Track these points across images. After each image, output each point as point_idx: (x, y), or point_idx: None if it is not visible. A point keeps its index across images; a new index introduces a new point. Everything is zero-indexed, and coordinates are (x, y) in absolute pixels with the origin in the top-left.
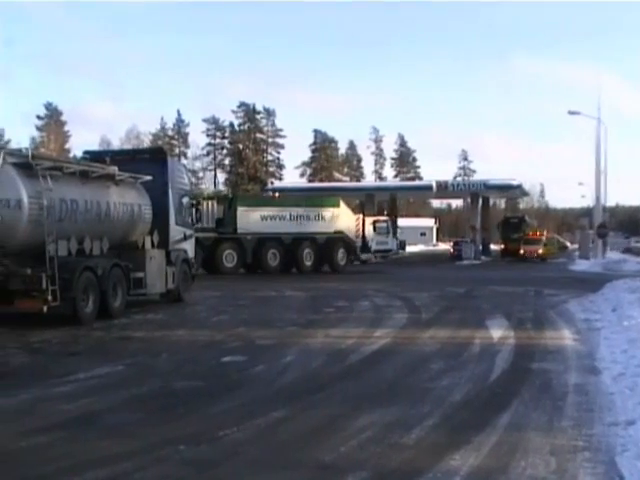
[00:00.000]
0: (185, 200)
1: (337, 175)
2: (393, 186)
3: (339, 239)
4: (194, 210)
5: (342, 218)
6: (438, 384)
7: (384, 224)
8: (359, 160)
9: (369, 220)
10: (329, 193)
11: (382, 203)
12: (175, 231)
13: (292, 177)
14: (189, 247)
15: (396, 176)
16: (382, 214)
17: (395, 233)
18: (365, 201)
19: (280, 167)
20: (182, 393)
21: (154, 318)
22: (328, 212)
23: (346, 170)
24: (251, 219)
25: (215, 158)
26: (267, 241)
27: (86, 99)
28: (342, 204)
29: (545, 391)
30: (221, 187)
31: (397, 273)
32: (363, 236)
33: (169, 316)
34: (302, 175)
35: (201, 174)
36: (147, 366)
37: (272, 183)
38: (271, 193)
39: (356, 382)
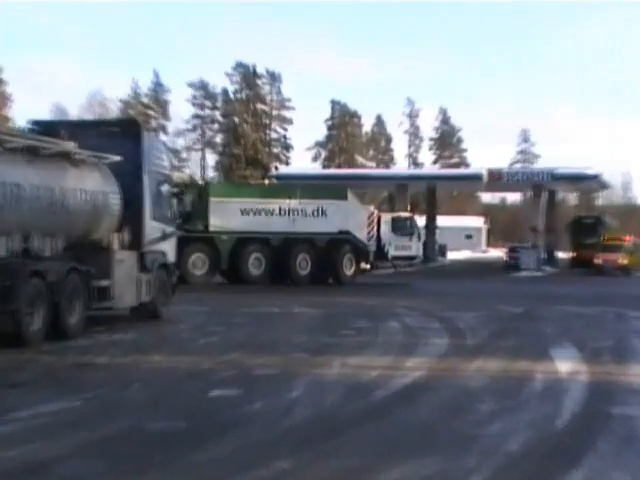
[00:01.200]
0: (164, 188)
1: (360, 159)
2: (431, 174)
3: (345, 241)
4: (176, 201)
5: (350, 214)
6: (488, 430)
7: (406, 222)
8: (388, 140)
9: (386, 217)
10: (349, 183)
11: (417, 196)
12: (151, 228)
13: (302, 161)
14: (169, 249)
15: (436, 162)
16: (416, 211)
17: (419, 234)
18: (395, 193)
19: (287, 148)
20: (158, 436)
21: (123, 339)
22: (331, 205)
23: (371, 153)
24: (228, 213)
25: (203, 134)
26: (249, 242)
27: (34, 54)
28: (350, 195)
29: (629, 443)
30: (211, 173)
31: (433, 286)
32: (378, 238)
33: (142, 337)
34: (315, 159)
35: (185, 154)
36: (113, 401)
37: (276, 168)
38: (273, 181)
39: (382, 425)
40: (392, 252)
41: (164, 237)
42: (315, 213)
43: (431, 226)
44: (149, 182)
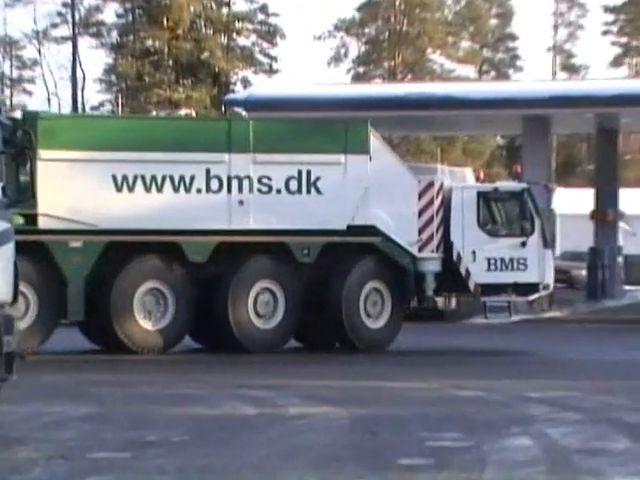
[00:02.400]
0: None
1: (439, 59)
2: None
3: (365, 250)
4: (20, 161)
5: (376, 186)
6: None
7: (514, 204)
8: (507, 18)
9: (466, 193)
10: (413, 117)
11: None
12: None
13: (306, 69)
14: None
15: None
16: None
17: (545, 235)
18: (527, 138)
19: (272, 39)
20: None
21: None
22: (332, 168)
23: (462, 49)
24: (82, 188)
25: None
26: (133, 255)
27: None
28: (377, 142)
29: None
30: (92, 96)
31: (601, 355)
32: (447, 242)
33: None
34: (334, 61)
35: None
36: None
37: (245, 84)
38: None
39: None
40: (479, 275)
41: None
42: (293, 186)
43: (607, 213)
44: None
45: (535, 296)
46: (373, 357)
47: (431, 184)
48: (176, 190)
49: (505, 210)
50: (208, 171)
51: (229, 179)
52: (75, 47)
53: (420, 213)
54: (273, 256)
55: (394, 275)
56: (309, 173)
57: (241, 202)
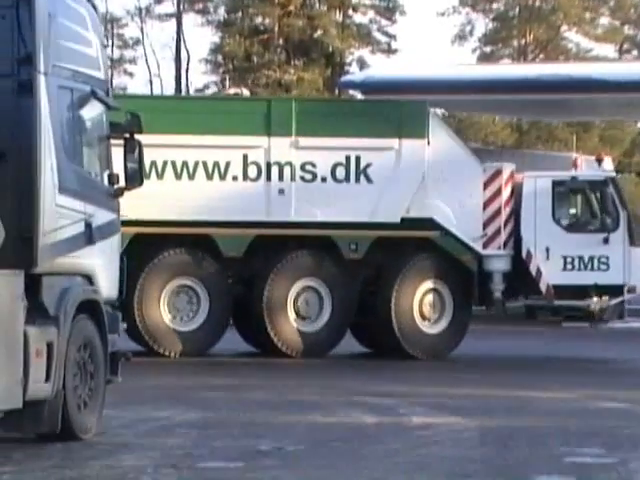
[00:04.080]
0: (92, 114)
1: (576, 39)
2: None
3: (423, 245)
4: (128, 147)
5: (435, 175)
6: None
7: (594, 196)
8: None
9: (540, 183)
10: (548, 100)
11: None
12: (57, 213)
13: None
14: (104, 266)
15: None
16: None
17: (632, 231)
18: None
19: (391, 16)
20: None
21: None
22: (384, 154)
23: (604, 23)
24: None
25: None
26: (161, 248)
27: None
28: (438, 126)
29: None
30: (199, 78)
31: None
32: (517, 237)
33: None
34: (461, 39)
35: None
36: None
37: (362, 65)
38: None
39: None
40: (553, 275)
41: (91, 236)
42: (340, 174)
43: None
44: (52, 97)
45: (619, 300)
46: (495, 364)
47: (499, 172)
48: (209, 177)
49: (585, 202)
50: (245, 157)
51: (268, 166)
52: (179, 25)
53: (485, 205)
54: (317, 252)
55: (455, 274)
56: (358, 159)
57: (281, 191)
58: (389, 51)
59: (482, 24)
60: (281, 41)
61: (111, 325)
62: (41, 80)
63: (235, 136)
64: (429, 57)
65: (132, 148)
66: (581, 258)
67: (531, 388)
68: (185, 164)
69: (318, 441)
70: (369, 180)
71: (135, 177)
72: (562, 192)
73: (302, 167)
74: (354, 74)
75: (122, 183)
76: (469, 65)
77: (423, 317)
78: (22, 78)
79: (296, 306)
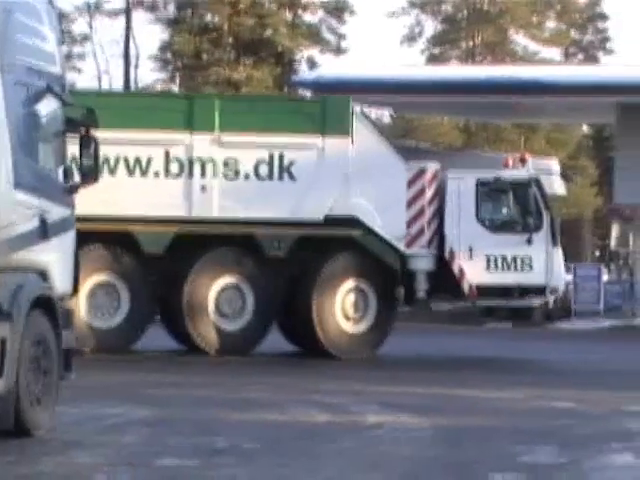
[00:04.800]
0: (48, 110)
1: (520, 40)
2: None
3: (345, 244)
4: (84, 143)
5: (359, 172)
6: None
7: (518, 196)
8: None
9: (465, 182)
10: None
11: None
12: (12, 208)
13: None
14: (58, 261)
15: None
16: None
17: (555, 232)
18: (618, 127)
19: (340, 15)
20: None
21: None
22: (307, 151)
23: (549, 30)
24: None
25: None
26: (82, 242)
27: None
28: (361, 122)
29: None
30: (146, 74)
31: None
32: (441, 237)
33: None
34: (410, 40)
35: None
36: None
37: (311, 65)
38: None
39: None
40: (476, 275)
41: (45, 232)
42: (263, 171)
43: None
44: (8, 92)
45: (541, 301)
46: (451, 363)
47: (422, 171)
48: (131, 173)
49: (509, 202)
50: (167, 152)
51: (190, 162)
52: (129, 21)
53: (409, 204)
54: (239, 249)
55: (379, 273)
56: (281, 157)
57: (204, 188)
58: (338, 51)
59: (431, 26)
60: (231, 39)
61: (65, 321)
62: None
63: (157, 132)
64: (378, 57)
65: (87, 144)
66: (504, 258)
67: (477, 387)
68: (106, 159)
69: (273, 439)
70: (292, 178)
71: (90, 173)
72: (486, 192)
73: (225, 164)
74: (306, 73)
75: (77, 179)
76: (419, 66)
77: (346, 316)
78: None
79: (218, 304)
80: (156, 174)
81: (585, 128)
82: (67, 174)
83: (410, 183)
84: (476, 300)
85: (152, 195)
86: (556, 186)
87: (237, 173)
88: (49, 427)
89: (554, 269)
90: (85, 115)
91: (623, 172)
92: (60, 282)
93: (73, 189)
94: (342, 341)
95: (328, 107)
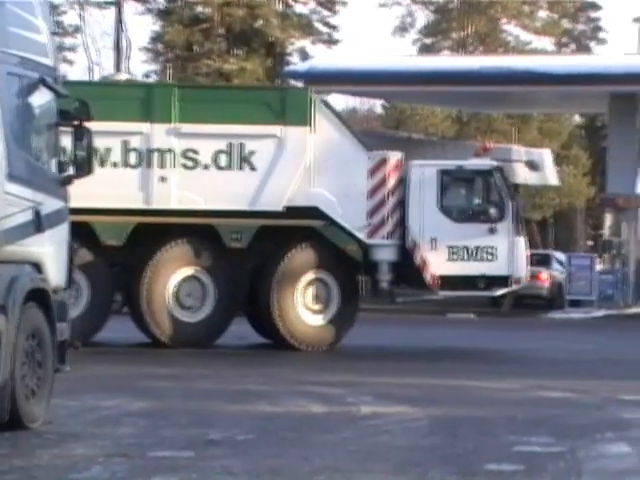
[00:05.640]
0: (41, 102)
1: (511, 31)
2: None
3: (306, 234)
4: (77, 135)
5: (320, 162)
6: None
7: (481, 185)
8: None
9: (426, 171)
10: (489, 92)
11: None
12: (6, 201)
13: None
14: (52, 253)
15: None
16: None
17: (518, 221)
18: (613, 116)
19: (332, 6)
20: None
21: None
22: (267, 141)
23: (541, 20)
24: None
25: None
26: None
27: None
28: (322, 112)
29: None
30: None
31: None
32: (403, 227)
33: None
34: (401, 31)
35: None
36: None
37: (304, 56)
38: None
39: None
40: (439, 265)
41: (40, 224)
42: (222, 161)
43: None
44: (1, 84)
45: (503, 291)
46: (446, 353)
47: (384, 160)
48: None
49: (471, 191)
50: (125, 143)
51: (149, 152)
52: (120, 13)
53: (370, 194)
54: (199, 240)
55: (341, 264)
56: (241, 147)
57: (162, 179)
58: (330, 42)
59: (423, 16)
60: (222, 30)
61: (59, 314)
62: None
63: (115, 122)
64: (369, 48)
65: (81, 136)
66: (467, 248)
67: (470, 378)
68: (63, 150)
69: (267, 430)
70: (252, 168)
71: (84, 165)
72: (448, 181)
73: (184, 154)
74: (298, 64)
75: (71, 171)
76: (411, 57)
77: (307, 308)
78: None
79: (177, 296)
80: (114, 165)
81: (577, 118)
82: (61, 166)
83: (372, 173)
84: (438, 291)
85: (111, 186)
86: (549, 176)
87: (196, 163)
88: (44, 420)
89: (517, 259)
90: (78, 107)
91: (616, 162)
92: (54, 274)
93: (67, 181)
94: (303, 333)
95: (288, 97)
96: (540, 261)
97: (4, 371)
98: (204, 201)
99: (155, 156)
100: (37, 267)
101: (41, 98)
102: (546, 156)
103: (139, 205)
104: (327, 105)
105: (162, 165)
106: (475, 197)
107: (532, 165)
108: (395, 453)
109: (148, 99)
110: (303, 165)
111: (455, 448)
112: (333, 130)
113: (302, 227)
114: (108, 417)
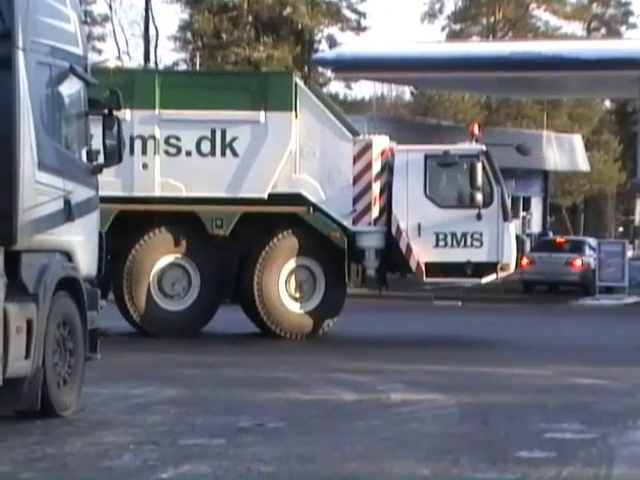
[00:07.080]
0: (71, 91)
1: (544, 17)
2: None
3: (289, 221)
4: (107, 124)
5: (304, 149)
6: None
7: (466, 170)
8: None
9: (412, 156)
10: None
11: None
12: (37, 190)
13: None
14: (84, 243)
15: None
16: None
17: (506, 207)
18: None
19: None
20: None
21: None
22: (250, 127)
23: (572, 1)
24: None
25: None
26: None
27: None
28: (307, 97)
29: None
30: (167, 55)
31: None
32: (389, 214)
33: None
34: (430, 17)
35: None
36: None
37: (331, 43)
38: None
39: None
40: (425, 252)
41: (70, 213)
42: (205, 148)
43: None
44: (31, 73)
45: (490, 278)
46: (473, 340)
47: (369, 146)
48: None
49: (458, 177)
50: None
51: (131, 139)
52: (148, 1)
53: (355, 179)
54: (182, 228)
55: (326, 251)
56: (224, 133)
57: (145, 166)
58: (359, 29)
59: (451, 2)
60: (250, 18)
61: (90, 302)
62: (20, 56)
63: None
64: (398, 35)
65: (111, 125)
66: (454, 235)
67: (499, 365)
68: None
69: (298, 418)
70: (235, 154)
71: (114, 154)
72: (434, 166)
73: (166, 141)
74: (326, 52)
75: (101, 160)
76: (440, 43)
77: (291, 295)
78: (0, 54)
79: (160, 284)
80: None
81: (608, 103)
82: (91, 155)
83: (356, 158)
84: (424, 278)
85: None
86: (580, 162)
87: (179, 150)
88: (76, 408)
89: (505, 245)
90: (108, 96)
91: None
92: (85, 263)
93: (97, 170)
94: (286, 320)
95: (271, 82)
96: (573, 248)
97: (36, 360)
98: (187, 188)
99: (137, 143)
100: (68, 256)
101: (71, 87)
102: (576, 141)
103: (121, 193)
104: (312, 89)
105: (144, 152)
106: (462, 182)
107: (521, 149)
108: (425, 440)
109: (130, 85)
110: (286, 151)
111: (486, 435)
112: (317, 115)
113: (286, 214)
114: (139, 405)
